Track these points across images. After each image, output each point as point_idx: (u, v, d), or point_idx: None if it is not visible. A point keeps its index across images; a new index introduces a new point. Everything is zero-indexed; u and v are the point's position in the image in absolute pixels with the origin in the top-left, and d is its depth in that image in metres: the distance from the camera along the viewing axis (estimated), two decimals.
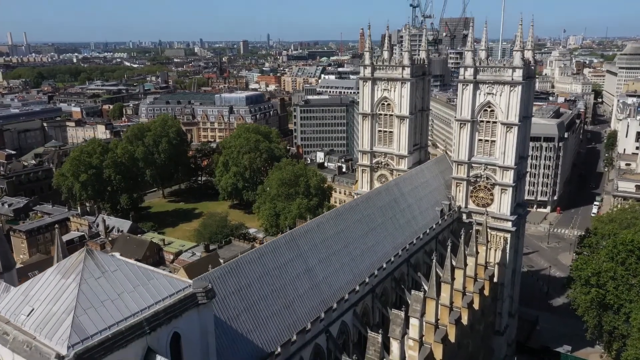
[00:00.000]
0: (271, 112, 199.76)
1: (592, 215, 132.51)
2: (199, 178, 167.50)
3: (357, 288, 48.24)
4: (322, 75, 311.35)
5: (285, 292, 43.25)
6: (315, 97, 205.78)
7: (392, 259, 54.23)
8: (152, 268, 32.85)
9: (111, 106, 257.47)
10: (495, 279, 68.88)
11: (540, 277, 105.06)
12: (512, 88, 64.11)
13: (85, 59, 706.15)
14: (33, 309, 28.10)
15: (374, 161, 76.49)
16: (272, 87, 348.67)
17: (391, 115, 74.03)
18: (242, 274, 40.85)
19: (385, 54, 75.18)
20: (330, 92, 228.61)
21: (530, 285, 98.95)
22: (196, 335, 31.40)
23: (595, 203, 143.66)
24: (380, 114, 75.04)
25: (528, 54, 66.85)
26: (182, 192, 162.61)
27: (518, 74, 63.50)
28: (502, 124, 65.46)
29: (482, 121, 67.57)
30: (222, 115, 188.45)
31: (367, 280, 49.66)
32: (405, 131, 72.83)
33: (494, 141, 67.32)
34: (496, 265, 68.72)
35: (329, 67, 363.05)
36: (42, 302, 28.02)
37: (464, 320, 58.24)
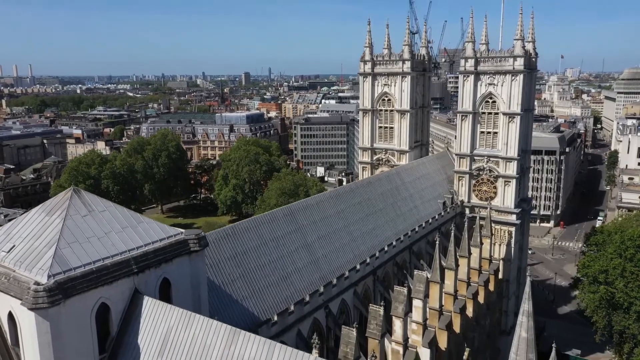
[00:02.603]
0: (272, 132, 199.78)
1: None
2: (199, 195, 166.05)
3: (358, 267, 46.51)
4: (323, 101, 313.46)
5: (282, 264, 41.55)
6: (316, 115, 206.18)
7: (394, 243, 52.58)
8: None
9: (112, 129, 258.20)
10: (500, 275, 66.93)
11: (546, 286, 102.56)
12: (513, 77, 63.67)
13: (89, 89, 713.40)
14: (14, 246, 26.59)
15: (374, 158, 75.45)
16: (273, 114, 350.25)
17: (392, 110, 73.41)
18: (238, 240, 39.28)
19: (385, 52, 75.08)
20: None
21: (536, 294, 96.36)
22: (187, 284, 29.68)
23: (599, 218, 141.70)
24: (381, 110, 74.46)
25: (529, 46, 66.66)
26: (181, 209, 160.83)
27: (519, 63, 63.16)
28: (504, 114, 64.71)
29: (483, 113, 66.86)
30: (222, 133, 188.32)
31: (367, 260, 47.94)
32: (406, 126, 72.04)
33: (496, 133, 66.47)
34: (501, 261, 66.87)
35: (330, 94, 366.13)
36: (24, 239, 26.58)
37: (469, 311, 56.11)
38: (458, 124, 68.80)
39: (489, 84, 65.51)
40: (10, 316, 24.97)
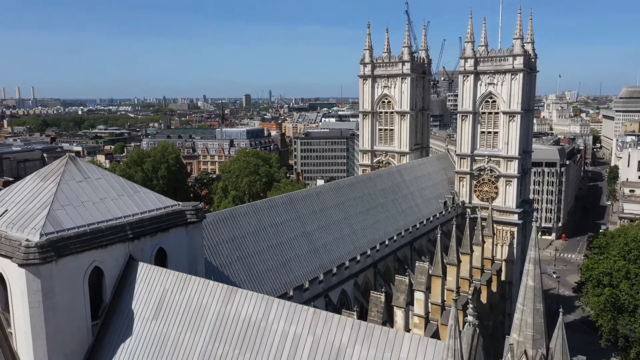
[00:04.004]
0: (272, 147, 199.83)
1: None
2: None
3: (359, 258, 45.78)
4: (323, 119, 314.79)
5: (281, 250, 40.84)
6: (316, 130, 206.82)
7: (395, 237, 51.88)
8: None
9: (112, 146, 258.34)
10: (502, 277, 65.92)
11: (549, 296, 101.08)
12: (513, 76, 63.79)
13: (90, 111, 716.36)
14: (7, 210, 26.00)
15: (374, 160, 75.15)
16: (273, 132, 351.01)
17: (392, 112, 73.41)
18: (237, 224, 38.68)
19: (384, 55, 75.43)
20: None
21: None
22: (184, 256, 28.96)
23: (600, 231, 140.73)
24: (381, 112, 74.48)
25: (528, 47, 66.92)
26: None
27: (519, 62, 63.33)
28: (504, 113, 64.65)
29: (484, 113, 66.80)
30: (222, 148, 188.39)
31: (368, 252, 47.20)
32: (406, 127, 71.94)
33: (497, 132, 66.32)
34: (503, 262, 65.95)
35: (330, 113, 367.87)
36: (17, 203, 26.00)
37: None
38: (458, 125, 68.72)
39: (489, 84, 65.62)
40: (1, 280, 24.24)
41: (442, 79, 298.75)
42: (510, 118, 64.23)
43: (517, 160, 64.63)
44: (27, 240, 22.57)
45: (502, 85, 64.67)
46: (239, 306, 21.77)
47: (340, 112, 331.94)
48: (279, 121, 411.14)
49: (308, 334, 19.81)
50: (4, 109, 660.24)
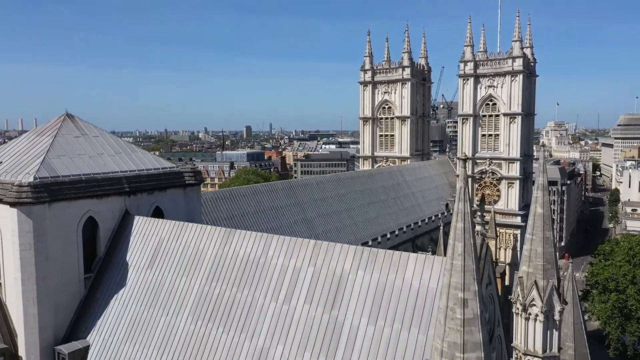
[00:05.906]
0: (272, 170, 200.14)
1: None
2: None
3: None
4: (323, 146, 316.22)
5: (281, 234, 39.87)
6: (316, 153, 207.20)
7: (397, 232, 51.02)
8: None
9: None
10: (506, 281, 64.60)
11: None
12: (513, 78, 64.07)
13: None
14: (1, 162, 25.47)
15: (375, 167, 74.71)
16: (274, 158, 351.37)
17: (392, 118, 73.46)
18: (236, 204, 38.06)
19: (384, 62, 76.00)
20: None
21: None
22: (181, 218, 28.08)
23: (606, 238, 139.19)
24: (381, 118, 74.53)
25: (527, 51, 67.48)
26: None
27: (518, 64, 63.72)
28: (505, 114, 64.68)
29: (484, 115, 66.82)
30: (222, 170, 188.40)
31: (370, 243, 46.22)
32: (406, 132, 71.88)
33: (498, 135, 66.18)
34: (507, 266, 64.71)
35: (329, 140, 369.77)
36: (12, 156, 25.53)
37: None
38: (459, 128, 68.70)
39: (489, 87, 65.88)
40: None
41: (442, 106, 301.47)
42: (511, 120, 64.22)
43: (518, 162, 64.32)
44: (20, 181, 22.01)
45: (502, 87, 64.91)
46: (237, 246, 21.04)
47: (340, 140, 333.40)
48: (280, 149, 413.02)
49: (309, 265, 19.06)
50: (6, 140, 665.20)
